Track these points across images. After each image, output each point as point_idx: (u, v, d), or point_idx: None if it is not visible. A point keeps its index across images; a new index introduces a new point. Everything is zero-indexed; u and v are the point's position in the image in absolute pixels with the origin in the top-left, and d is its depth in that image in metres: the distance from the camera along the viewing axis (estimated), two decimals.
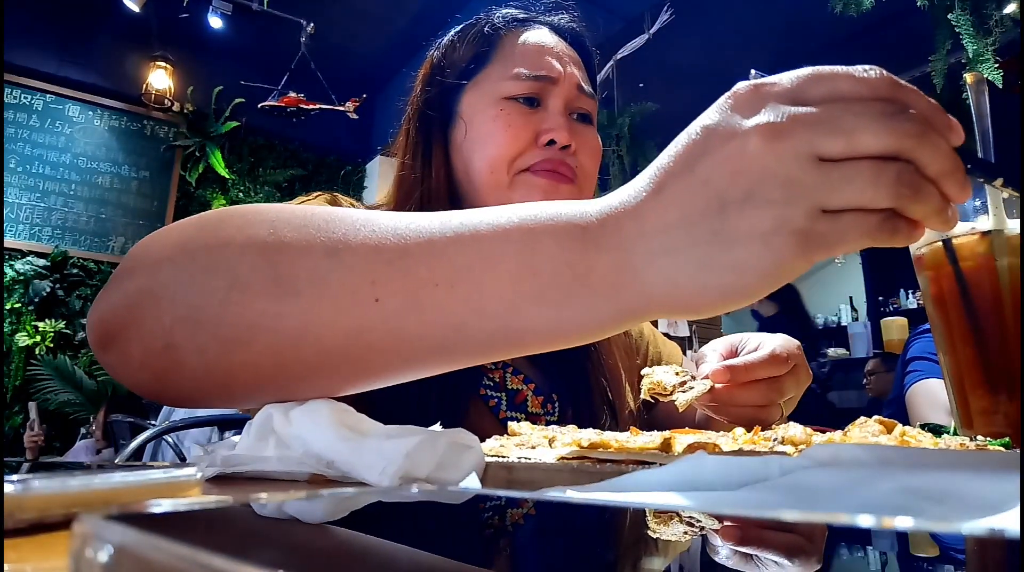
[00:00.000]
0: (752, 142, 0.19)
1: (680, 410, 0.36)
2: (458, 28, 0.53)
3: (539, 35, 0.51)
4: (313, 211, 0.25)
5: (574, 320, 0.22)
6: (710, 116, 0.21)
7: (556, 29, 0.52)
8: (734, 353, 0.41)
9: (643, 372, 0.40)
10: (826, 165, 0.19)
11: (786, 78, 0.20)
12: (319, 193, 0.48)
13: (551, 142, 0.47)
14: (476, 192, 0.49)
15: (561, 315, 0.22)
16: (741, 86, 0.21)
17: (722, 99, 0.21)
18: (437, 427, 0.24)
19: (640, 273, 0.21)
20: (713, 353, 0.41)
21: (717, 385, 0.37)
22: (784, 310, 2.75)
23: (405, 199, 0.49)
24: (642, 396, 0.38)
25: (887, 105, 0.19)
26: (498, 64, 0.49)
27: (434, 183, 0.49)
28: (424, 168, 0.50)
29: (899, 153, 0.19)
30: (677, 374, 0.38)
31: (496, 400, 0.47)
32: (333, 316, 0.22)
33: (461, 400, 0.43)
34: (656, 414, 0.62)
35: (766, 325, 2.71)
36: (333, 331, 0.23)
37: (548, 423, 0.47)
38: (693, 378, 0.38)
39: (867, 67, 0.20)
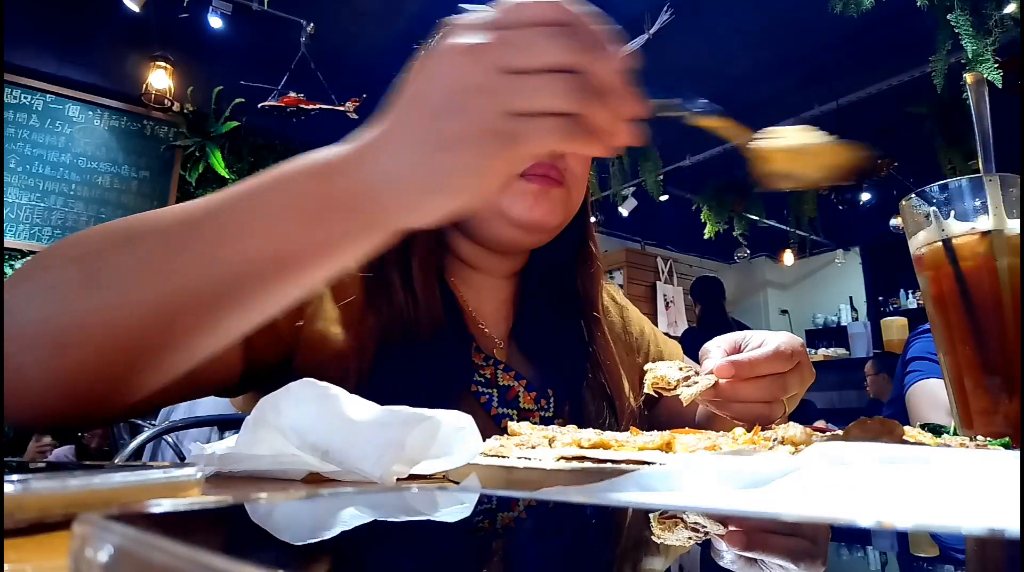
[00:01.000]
0: (451, 59, 0.23)
1: (685, 404, 0.36)
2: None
3: None
4: (125, 219, 0.28)
5: (328, 239, 0.26)
6: (429, 50, 0.25)
7: None
8: (737, 350, 0.41)
9: (646, 367, 0.39)
10: (515, 75, 0.23)
11: (485, 11, 0.24)
12: None
13: None
14: None
15: (315, 237, 0.25)
16: (451, 19, 0.25)
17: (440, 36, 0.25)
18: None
19: (375, 187, 0.25)
20: (717, 349, 0.41)
21: (721, 380, 0.37)
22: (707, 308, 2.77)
23: None
24: (645, 390, 0.38)
25: (564, 28, 0.23)
26: None
27: None
28: None
29: (574, 67, 0.23)
30: (680, 369, 0.38)
31: (487, 396, 0.47)
32: (140, 297, 0.25)
33: (452, 396, 0.43)
34: (657, 413, 0.61)
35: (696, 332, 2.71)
36: (142, 310, 0.25)
37: (542, 419, 0.47)
38: (696, 374, 0.38)
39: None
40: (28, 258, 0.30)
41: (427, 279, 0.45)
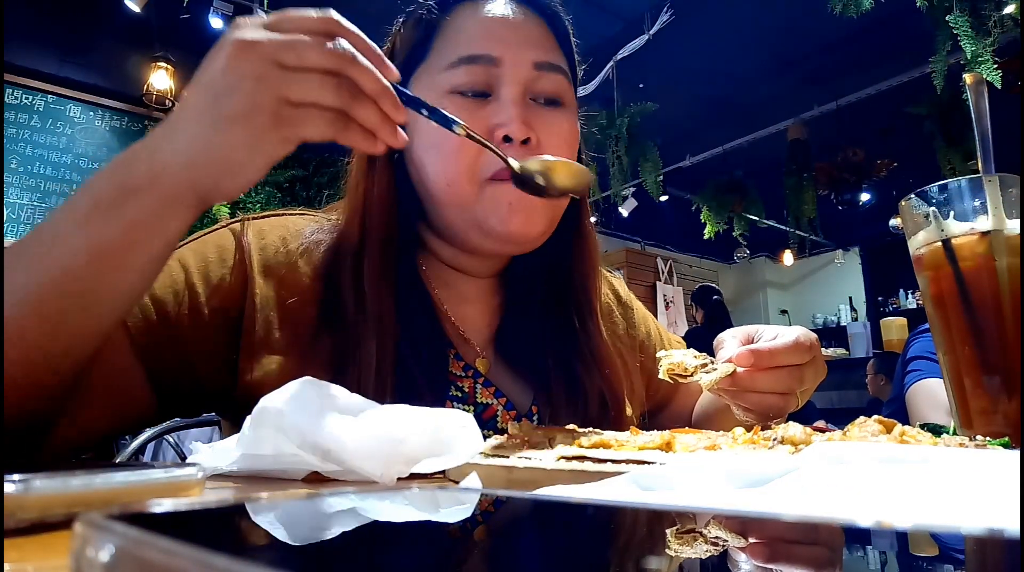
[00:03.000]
0: (232, 50, 0.28)
1: (705, 389, 0.35)
2: (402, 16, 0.46)
3: (480, 10, 0.43)
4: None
5: (137, 223, 0.29)
6: (219, 42, 0.29)
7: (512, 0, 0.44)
8: (751, 341, 0.40)
9: (659, 354, 0.38)
10: (287, 69, 0.28)
11: (263, 16, 0.30)
12: (234, 220, 0.44)
13: (507, 138, 0.40)
14: (438, 207, 0.43)
15: (123, 224, 0.28)
16: (236, 20, 0.30)
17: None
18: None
19: (169, 164, 0.28)
20: (732, 340, 0.39)
21: (740, 369, 0.36)
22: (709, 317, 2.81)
23: (351, 209, 0.44)
24: (660, 376, 0.37)
25: (332, 39, 0.29)
26: (438, 53, 0.43)
27: (376, 194, 0.43)
28: (367, 178, 0.44)
29: (338, 71, 0.29)
30: (696, 357, 0.37)
31: None
32: (8, 310, 0.28)
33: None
34: (661, 418, 0.59)
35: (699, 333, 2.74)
36: (10, 321, 0.28)
37: (523, 441, 0.44)
38: (712, 362, 0.37)
39: (320, 11, 0.29)
40: None
41: (381, 282, 0.41)
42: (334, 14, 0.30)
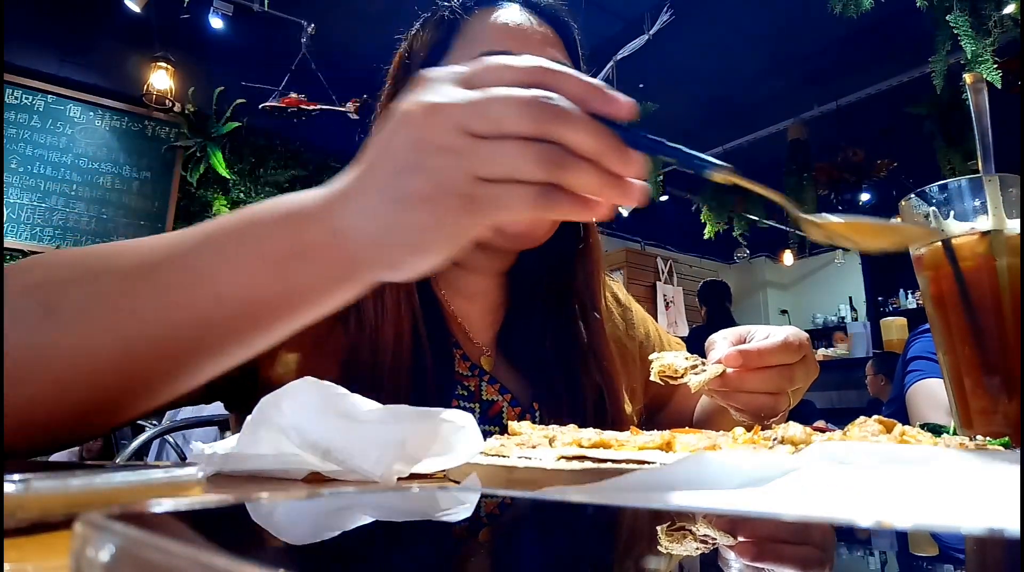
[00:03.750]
0: (416, 116, 0.23)
1: (693, 391, 0.36)
2: (422, 19, 0.49)
3: (501, 15, 0.46)
4: (90, 249, 0.28)
5: (297, 288, 0.25)
6: (402, 102, 0.25)
7: (526, 5, 0.48)
8: (743, 342, 0.40)
9: (651, 357, 0.39)
10: (477, 139, 0.22)
11: (459, 68, 0.24)
12: None
13: None
14: None
15: (283, 285, 0.25)
16: (423, 73, 0.25)
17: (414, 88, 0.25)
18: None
19: (344, 238, 0.24)
20: (723, 341, 0.40)
21: (729, 370, 0.36)
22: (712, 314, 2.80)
23: None
24: (652, 378, 0.37)
25: (535, 93, 0.23)
26: (459, 51, 0.45)
27: None
28: None
29: (542, 135, 0.22)
30: (687, 359, 0.37)
31: (469, 411, 0.44)
32: (100, 335, 0.25)
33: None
34: (661, 418, 0.59)
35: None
36: (102, 349, 0.25)
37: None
38: (703, 363, 0.37)
39: (526, 58, 0.24)
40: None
41: (401, 289, 0.42)
42: (544, 62, 0.23)
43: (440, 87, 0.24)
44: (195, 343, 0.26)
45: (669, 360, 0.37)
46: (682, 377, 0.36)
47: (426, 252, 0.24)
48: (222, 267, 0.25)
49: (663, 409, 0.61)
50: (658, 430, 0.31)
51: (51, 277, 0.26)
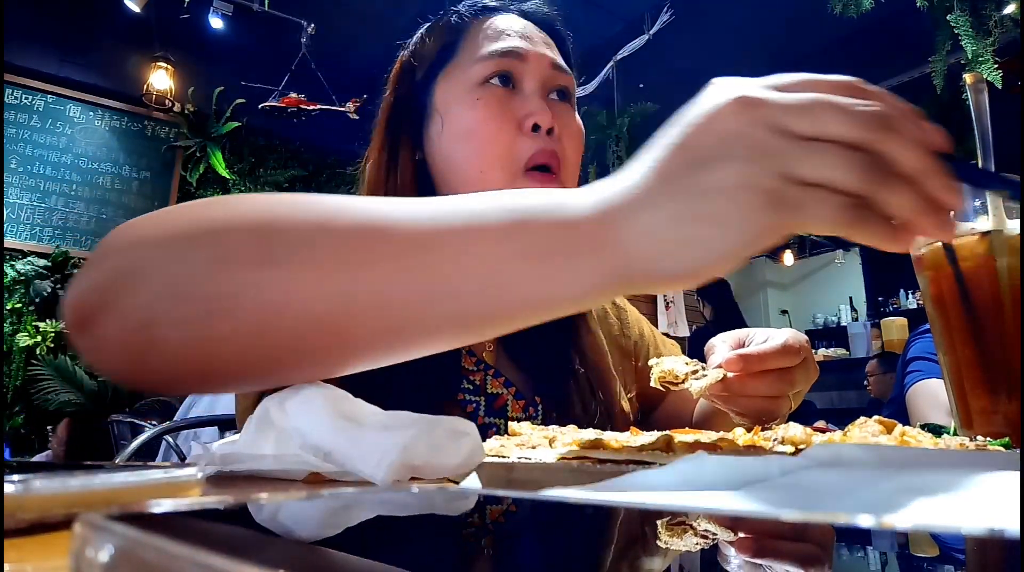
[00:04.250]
0: (726, 109, 0.21)
1: (695, 397, 0.36)
2: (426, 25, 0.52)
3: (505, 20, 0.49)
4: (302, 195, 0.26)
5: (559, 285, 0.23)
6: (705, 99, 0.23)
7: (524, 14, 0.51)
8: (742, 345, 0.41)
9: (651, 362, 0.39)
10: (794, 138, 0.20)
11: (768, 78, 0.23)
12: None
13: (535, 127, 0.45)
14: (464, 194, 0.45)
15: (543, 290, 0.23)
16: (716, 80, 0.23)
17: (707, 88, 0.23)
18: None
19: (621, 236, 0.22)
20: (722, 344, 0.40)
21: (729, 374, 0.36)
22: (719, 312, 2.78)
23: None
24: (652, 384, 0.37)
25: (858, 101, 0.21)
26: (466, 52, 0.48)
27: (398, 183, 0.47)
28: (390, 170, 0.48)
29: (865, 143, 0.20)
30: (687, 364, 0.37)
31: (474, 405, 0.45)
32: (317, 283, 0.23)
33: (437, 404, 0.41)
34: (655, 418, 0.60)
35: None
36: (316, 298, 0.23)
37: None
38: (703, 368, 0.37)
39: (836, 76, 0.22)
40: (175, 212, 0.26)
41: None
42: (858, 81, 0.22)
43: (753, 86, 0.22)
44: (421, 317, 0.24)
45: (669, 365, 0.37)
46: (683, 383, 0.36)
47: (710, 255, 0.21)
48: (487, 261, 0.23)
49: (656, 408, 0.61)
50: (655, 430, 0.31)
51: (267, 214, 0.24)
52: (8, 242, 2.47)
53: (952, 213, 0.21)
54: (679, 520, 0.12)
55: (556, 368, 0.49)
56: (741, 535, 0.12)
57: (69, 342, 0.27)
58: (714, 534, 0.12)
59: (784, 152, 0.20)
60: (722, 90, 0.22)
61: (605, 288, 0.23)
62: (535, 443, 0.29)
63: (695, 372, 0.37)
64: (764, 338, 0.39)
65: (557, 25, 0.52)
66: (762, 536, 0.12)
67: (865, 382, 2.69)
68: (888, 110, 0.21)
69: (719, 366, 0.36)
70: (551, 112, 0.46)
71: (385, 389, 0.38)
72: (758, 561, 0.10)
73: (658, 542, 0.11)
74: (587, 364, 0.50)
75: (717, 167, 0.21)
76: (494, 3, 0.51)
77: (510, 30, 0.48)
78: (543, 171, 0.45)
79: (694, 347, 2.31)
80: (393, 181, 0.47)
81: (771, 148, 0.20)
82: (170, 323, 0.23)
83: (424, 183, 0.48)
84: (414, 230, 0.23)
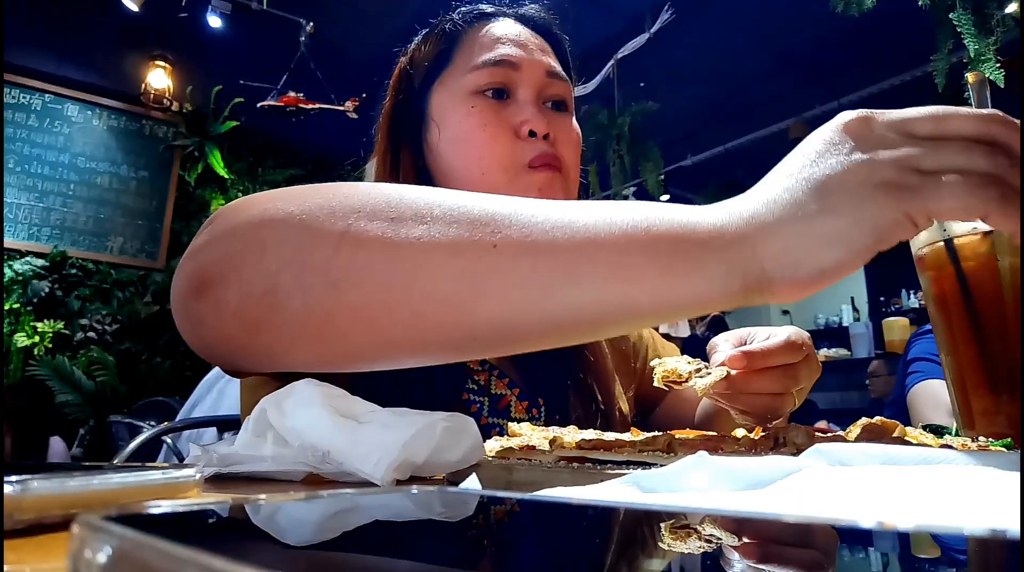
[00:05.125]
0: (846, 122, 0.22)
1: (700, 395, 0.36)
2: (423, 31, 0.52)
3: (500, 26, 0.49)
4: (430, 188, 0.27)
5: (693, 292, 0.22)
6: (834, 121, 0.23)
7: (521, 19, 0.51)
8: (744, 344, 0.41)
9: (652, 362, 0.39)
10: (919, 140, 0.21)
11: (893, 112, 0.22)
12: None
13: (532, 133, 0.46)
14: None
15: (663, 299, 0.23)
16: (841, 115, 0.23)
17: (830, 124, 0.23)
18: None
19: (741, 236, 0.22)
20: (725, 343, 0.40)
21: (732, 372, 0.36)
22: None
23: None
24: (655, 384, 0.37)
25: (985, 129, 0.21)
26: (461, 60, 0.48)
27: None
28: (393, 176, 0.48)
29: (985, 137, 0.20)
30: (689, 363, 0.37)
31: (478, 405, 0.45)
32: (447, 258, 0.23)
33: (442, 404, 0.41)
34: (655, 419, 0.60)
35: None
36: (442, 277, 0.23)
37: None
38: (706, 367, 0.37)
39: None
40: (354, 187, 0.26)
41: None
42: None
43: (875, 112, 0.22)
44: (550, 304, 0.23)
45: (672, 365, 0.37)
46: (686, 381, 0.36)
47: (830, 248, 0.21)
48: (620, 273, 0.23)
49: (655, 409, 0.61)
50: (654, 431, 0.31)
51: (399, 195, 0.25)
52: (6, 242, 2.47)
53: None
54: (680, 521, 0.12)
55: (558, 370, 0.49)
56: (742, 536, 0.11)
57: (177, 312, 0.27)
58: (715, 535, 0.11)
59: (905, 147, 0.20)
60: (843, 114, 0.22)
61: (740, 294, 0.22)
62: (535, 444, 0.29)
63: (698, 371, 0.37)
64: (766, 336, 0.40)
65: (554, 30, 0.52)
66: (763, 537, 0.12)
67: (867, 382, 2.69)
68: (1000, 117, 0.21)
69: (722, 364, 0.36)
70: (546, 119, 0.46)
71: (391, 388, 0.39)
72: (759, 562, 0.10)
73: (658, 543, 0.11)
74: (587, 366, 0.50)
75: (840, 167, 0.21)
76: (490, 9, 0.51)
77: (505, 38, 0.48)
78: (547, 165, 0.45)
79: (689, 353, 2.31)
80: (396, 181, 0.47)
81: (891, 143, 0.21)
82: (294, 290, 0.23)
83: (426, 185, 0.48)
84: (548, 226, 0.23)
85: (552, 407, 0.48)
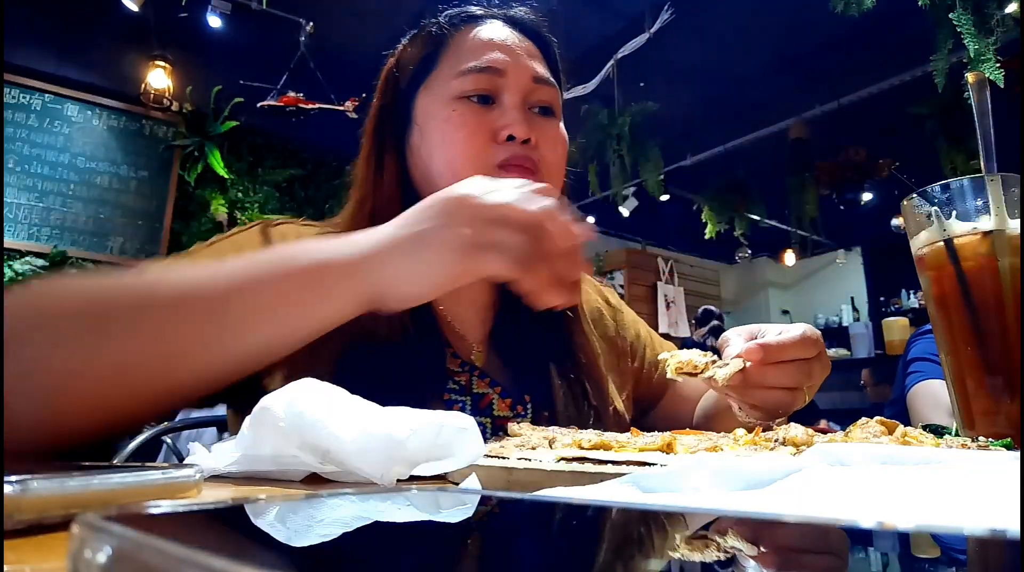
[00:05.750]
0: (449, 196, 0.33)
1: (720, 383, 0.36)
2: (410, 34, 0.52)
3: (487, 30, 0.49)
4: (124, 277, 0.31)
5: (320, 321, 0.32)
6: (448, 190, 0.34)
7: (510, 21, 0.50)
8: (754, 339, 0.40)
9: (662, 355, 0.39)
10: (486, 218, 0.32)
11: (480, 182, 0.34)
12: (255, 223, 0.48)
13: (510, 137, 0.46)
14: None
15: (312, 321, 0.32)
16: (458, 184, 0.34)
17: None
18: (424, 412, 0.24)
19: (364, 262, 0.32)
20: (737, 337, 0.40)
21: (748, 364, 0.36)
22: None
23: (358, 212, 0.48)
24: (669, 375, 0.38)
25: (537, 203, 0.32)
26: (447, 64, 0.48)
27: (385, 193, 0.48)
28: (376, 179, 0.48)
29: (529, 226, 0.32)
30: (703, 356, 0.37)
31: (460, 404, 0.46)
32: (145, 346, 0.28)
33: (424, 404, 0.41)
34: (652, 419, 0.60)
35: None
36: (147, 358, 0.29)
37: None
38: (718, 360, 0.37)
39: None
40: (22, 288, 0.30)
41: None
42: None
43: (468, 188, 0.32)
44: (225, 363, 0.31)
45: (687, 356, 0.37)
46: (703, 372, 0.36)
47: (420, 281, 0.32)
48: (262, 312, 0.31)
49: (653, 409, 0.61)
50: (652, 431, 0.31)
51: (91, 298, 0.29)
52: (6, 242, 2.47)
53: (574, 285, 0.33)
54: (680, 521, 0.12)
55: (544, 369, 0.49)
56: (742, 536, 0.11)
57: None
58: (715, 535, 0.11)
59: (478, 224, 0.31)
60: (451, 189, 0.33)
61: (357, 309, 0.32)
62: (535, 443, 0.29)
63: (713, 362, 0.37)
64: (777, 332, 0.40)
65: (544, 32, 0.52)
66: (764, 537, 0.12)
67: (862, 382, 2.69)
68: (553, 215, 0.32)
69: (739, 356, 0.36)
70: (528, 124, 0.46)
71: (373, 391, 0.39)
72: (759, 562, 0.10)
73: (659, 543, 0.11)
74: (578, 366, 0.50)
75: (437, 227, 0.32)
76: (479, 11, 0.50)
77: (492, 43, 0.48)
78: (520, 168, 0.45)
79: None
80: (380, 189, 0.48)
81: (470, 220, 0.31)
82: (23, 406, 0.26)
83: (408, 192, 0.48)
84: (213, 299, 0.30)
85: (539, 405, 0.48)
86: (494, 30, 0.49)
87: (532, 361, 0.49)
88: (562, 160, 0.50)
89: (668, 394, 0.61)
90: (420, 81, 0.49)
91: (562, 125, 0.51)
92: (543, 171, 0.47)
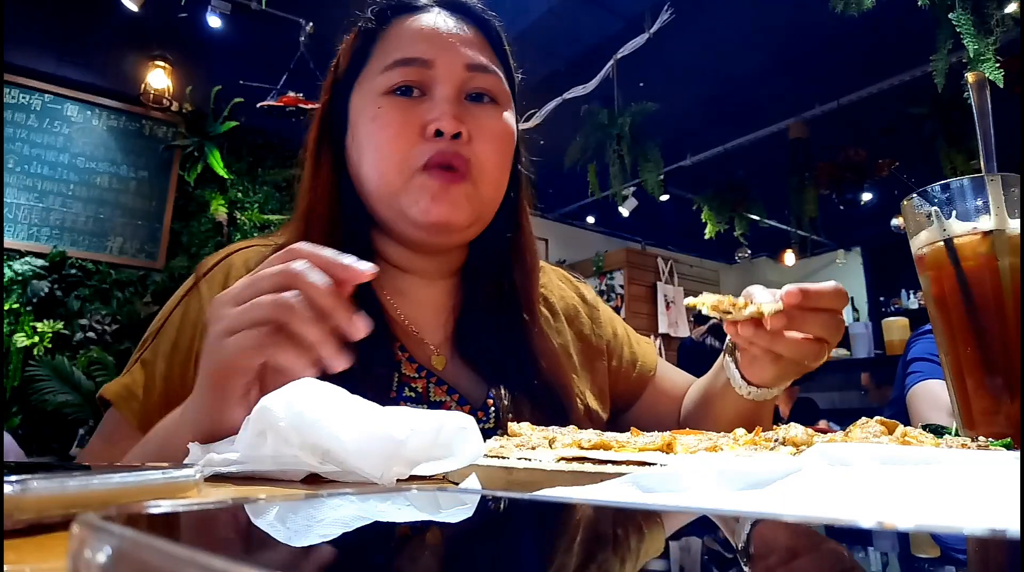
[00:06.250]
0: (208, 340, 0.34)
1: (767, 315, 0.36)
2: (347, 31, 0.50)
3: (418, 20, 0.46)
4: (154, 430, 0.39)
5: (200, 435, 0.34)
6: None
7: (448, 7, 0.47)
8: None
9: (688, 301, 0.39)
10: (223, 332, 0.32)
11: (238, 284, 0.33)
12: (190, 278, 0.48)
13: (439, 133, 0.43)
14: (372, 202, 0.45)
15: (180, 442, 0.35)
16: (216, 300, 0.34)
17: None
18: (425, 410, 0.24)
19: (196, 420, 0.34)
20: (763, 290, 0.40)
21: (780, 309, 0.36)
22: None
23: (296, 217, 0.47)
24: (705, 313, 0.38)
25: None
26: (376, 59, 0.45)
27: (318, 197, 0.46)
28: (312, 181, 0.47)
29: (258, 324, 0.31)
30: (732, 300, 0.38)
31: None
32: (157, 453, 0.37)
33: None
34: (629, 417, 0.59)
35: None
36: (160, 456, 0.36)
37: (482, 432, 0.44)
38: (748, 304, 0.37)
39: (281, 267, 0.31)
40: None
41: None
42: (294, 265, 0.31)
43: (216, 305, 0.32)
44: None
45: (714, 300, 0.37)
46: (744, 309, 0.37)
47: (211, 410, 0.32)
48: (176, 448, 0.34)
49: (630, 407, 0.60)
50: (636, 429, 0.31)
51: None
52: (5, 242, 2.47)
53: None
54: (680, 522, 0.12)
55: (507, 371, 0.47)
56: (742, 536, 0.11)
57: None
58: (715, 535, 0.11)
59: (216, 336, 0.31)
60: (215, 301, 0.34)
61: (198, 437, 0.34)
62: (535, 443, 0.29)
63: (747, 304, 0.37)
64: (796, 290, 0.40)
65: (484, 15, 0.48)
66: (763, 537, 0.12)
67: (862, 385, 2.69)
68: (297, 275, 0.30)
69: (779, 298, 0.37)
70: (460, 117, 0.43)
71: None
72: (759, 562, 0.10)
73: (659, 543, 0.11)
74: (537, 367, 0.48)
75: (202, 372, 0.33)
76: (406, 1, 0.46)
77: (420, 32, 0.45)
78: (445, 170, 0.43)
79: (683, 358, 2.31)
80: (318, 189, 0.47)
81: (218, 318, 0.32)
82: None
83: (347, 192, 0.47)
84: (160, 440, 0.37)
85: (502, 410, 0.46)
86: (425, 19, 0.46)
87: (493, 363, 0.47)
88: (502, 154, 0.46)
89: (647, 392, 0.60)
90: (354, 79, 0.46)
91: (509, 115, 0.47)
92: (474, 168, 0.44)
